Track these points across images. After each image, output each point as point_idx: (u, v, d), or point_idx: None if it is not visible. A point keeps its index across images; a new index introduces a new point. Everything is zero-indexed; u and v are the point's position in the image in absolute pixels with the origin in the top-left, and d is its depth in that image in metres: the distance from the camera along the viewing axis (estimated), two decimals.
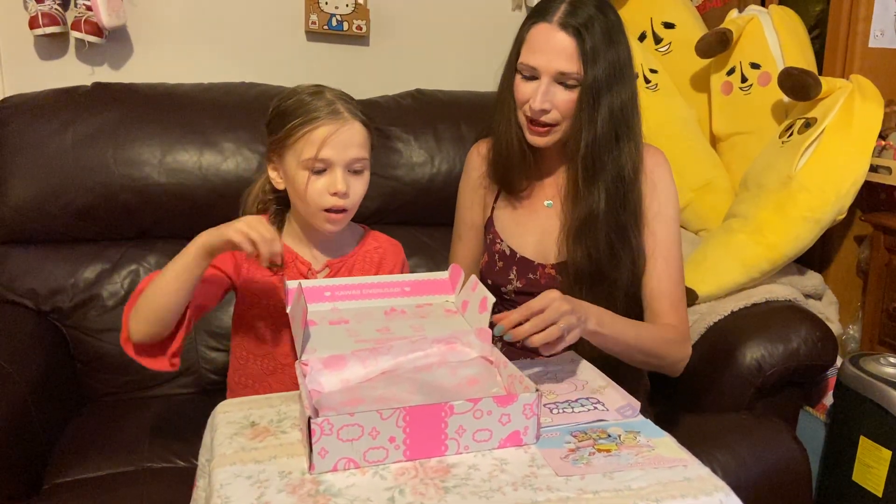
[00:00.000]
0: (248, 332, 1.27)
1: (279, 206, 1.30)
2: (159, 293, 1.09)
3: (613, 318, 1.21)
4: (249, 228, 1.05)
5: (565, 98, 1.25)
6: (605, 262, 1.29)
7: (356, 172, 1.20)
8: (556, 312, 1.04)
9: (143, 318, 1.10)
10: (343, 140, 1.17)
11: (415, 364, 1.03)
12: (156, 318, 1.10)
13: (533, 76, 1.26)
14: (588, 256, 1.29)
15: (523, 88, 1.28)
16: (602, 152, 1.26)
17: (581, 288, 1.29)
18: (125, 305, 1.14)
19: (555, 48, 1.23)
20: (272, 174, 1.25)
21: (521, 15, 2.29)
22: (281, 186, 1.25)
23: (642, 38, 2.09)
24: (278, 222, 1.28)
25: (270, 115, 1.23)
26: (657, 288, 1.32)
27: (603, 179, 1.27)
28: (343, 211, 1.21)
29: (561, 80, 1.24)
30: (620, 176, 1.28)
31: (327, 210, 1.19)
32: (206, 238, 1.08)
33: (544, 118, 1.27)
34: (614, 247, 1.29)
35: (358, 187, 1.21)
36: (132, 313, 1.12)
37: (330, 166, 1.17)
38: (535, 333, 1.03)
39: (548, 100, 1.25)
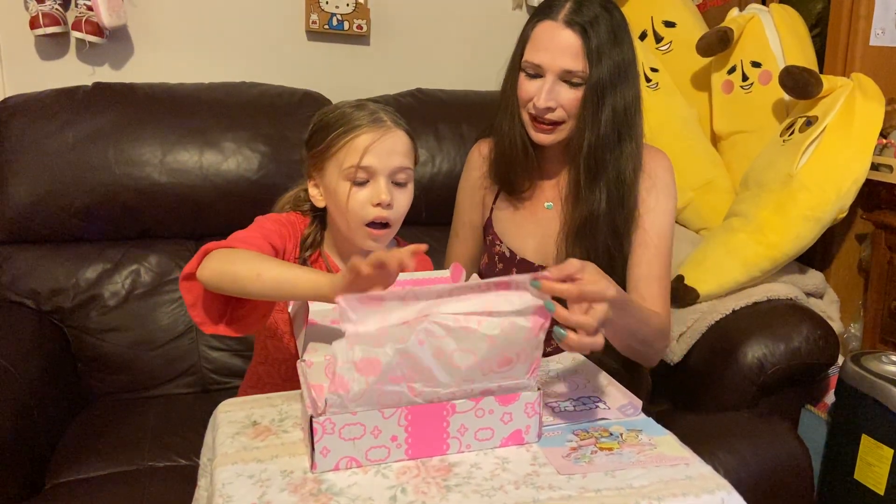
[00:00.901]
0: (273, 336, 1.25)
1: (317, 214, 1.24)
2: (251, 276, 0.97)
3: (629, 302, 1.16)
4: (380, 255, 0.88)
5: (570, 96, 1.25)
6: (603, 263, 1.28)
7: (399, 185, 1.15)
8: (597, 319, 0.93)
9: (224, 280, 0.99)
10: (386, 147, 1.12)
11: (453, 321, 0.86)
12: (231, 290, 1.00)
13: (537, 74, 1.26)
14: (587, 257, 1.28)
15: (527, 86, 1.27)
16: (604, 152, 1.26)
17: None
18: (212, 244, 1.03)
19: (560, 46, 1.23)
20: (312, 191, 1.20)
21: (522, 14, 2.29)
22: (321, 204, 1.19)
23: (643, 36, 2.09)
24: (316, 232, 1.23)
25: (311, 130, 1.19)
26: (646, 272, 1.30)
27: (604, 180, 1.27)
28: (386, 226, 1.15)
29: (566, 78, 1.24)
30: (621, 177, 1.28)
31: (370, 224, 1.14)
32: (334, 291, 0.89)
33: (549, 116, 1.26)
34: (611, 249, 1.29)
35: (402, 200, 1.15)
36: (219, 261, 1.00)
37: (373, 176, 1.12)
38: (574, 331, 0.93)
39: (552, 98, 1.24)
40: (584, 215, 1.28)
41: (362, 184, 1.13)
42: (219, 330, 1.07)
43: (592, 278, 0.96)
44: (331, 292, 0.89)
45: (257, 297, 1.01)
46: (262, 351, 1.30)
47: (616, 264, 1.30)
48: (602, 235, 1.28)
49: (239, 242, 1.06)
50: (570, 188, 1.31)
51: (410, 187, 1.17)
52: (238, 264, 0.99)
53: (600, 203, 1.27)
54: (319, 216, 1.24)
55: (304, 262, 1.20)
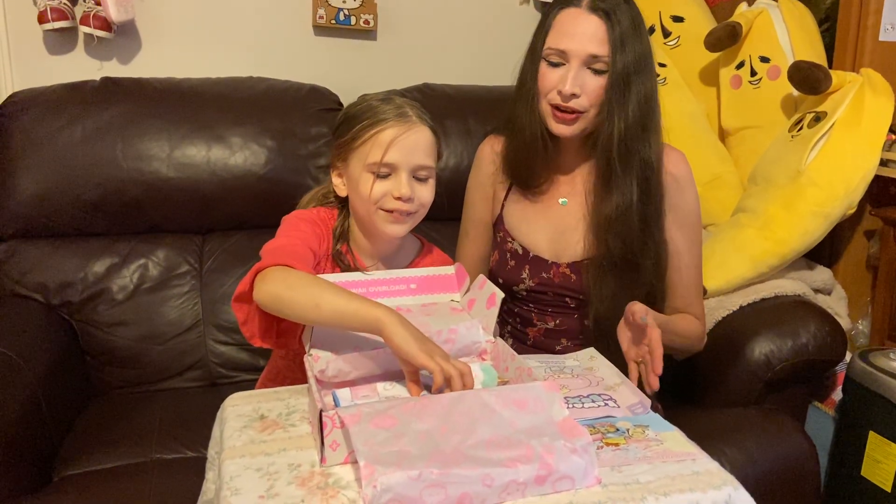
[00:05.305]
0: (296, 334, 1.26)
1: (343, 205, 1.25)
2: (310, 306, 1.00)
3: (669, 330, 1.24)
4: (449, 365, 0.94)
5: (594, 84, 1.24)
6: (637, 250, 1.30)
7: (421, 180, 1.17)
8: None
9: (282, 306, 1.02)
10: (410, 143, 1.15)
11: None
12: (289, 316, 1.04)
13: (561, 62, 1.25)
14: (622, 245, 1.29)
15: (550, 76, 1.26)
16: (633, 141, 1.26)
17: (614, 274, 1.30)
18: (262, 263, 1.05)
19: (585, 31, 1.22)
20: (336, 181, 1.23)
21: (529, 9, 2.29)
22: (343, 193, 1.22)
23: (651, 31, 2.08)
24: (343, 222, 1.24)
25: (339, 121, 1.22)
26: (680, 282, 1.37)
27: (635, 168, 1.27)
28: (407, 213, 1.17)
29: (590, 63, 1.23)
30: (649, 167, 1.28)
31: (389, 210, 1.16)
32: (392, 330, 0.95)
33: (572, 104, 1.25)
34: (644, 235, 1.30)
35: (423, 193, 1.18)
36: (275, 284, 1.02)
37: (395, 170, 1.15)
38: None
39: (578, 84, 1.24)
40: (616, 205, 1.28)
41: (385, 176, 1.15)
42: (267, 343, 1.10)
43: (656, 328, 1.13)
44: (390, 325, 0.95)
45: (315, 324, 1.03)
46: (276, 360, 1.30)
47: (649, 250, 1.31)
48: (634, 226, 1.28)
49: (287, 257, 1.07)
50: (598, 180, 1.31)
51: (432, 182, 1.19)
52: (296, 291, 1.01)
53: (632, 193, 1.28)
54: (346, 208, 1.25)
55: (337, 255, 1.21)
